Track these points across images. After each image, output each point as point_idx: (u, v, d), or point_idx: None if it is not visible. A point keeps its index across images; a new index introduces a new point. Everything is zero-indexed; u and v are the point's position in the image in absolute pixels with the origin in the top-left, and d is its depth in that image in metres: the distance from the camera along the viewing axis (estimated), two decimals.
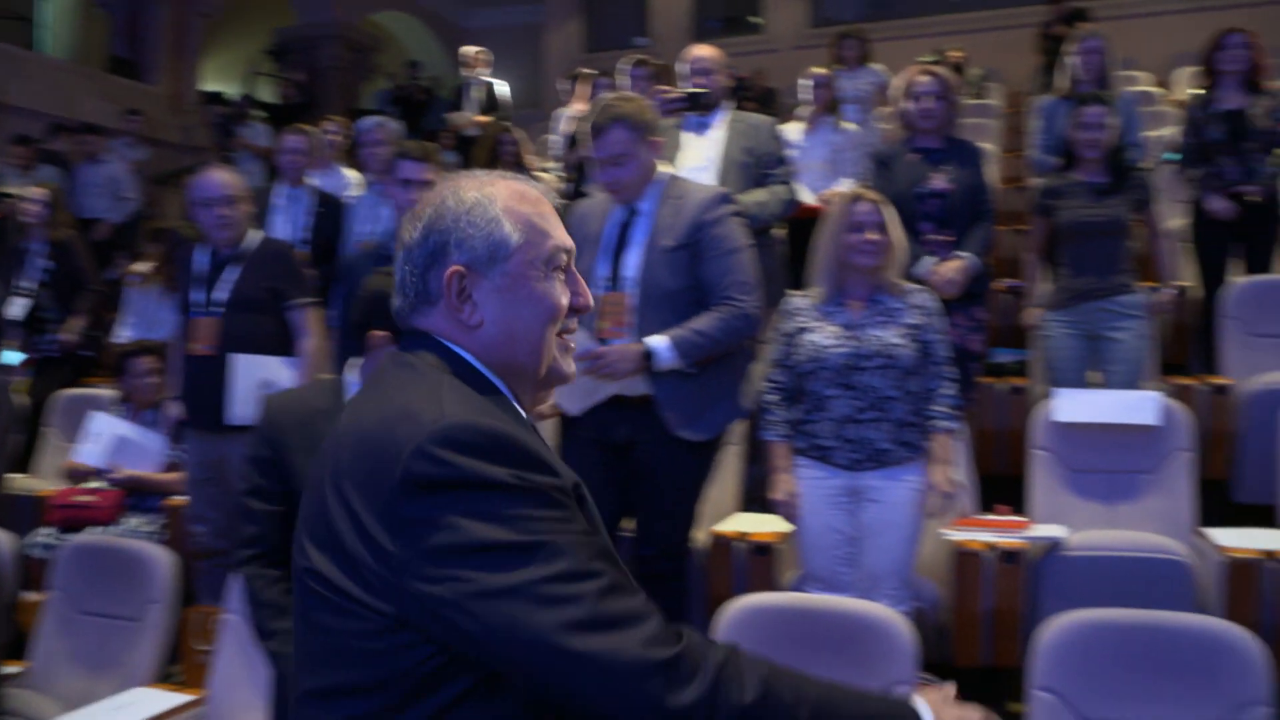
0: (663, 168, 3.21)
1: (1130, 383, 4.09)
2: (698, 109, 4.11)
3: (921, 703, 1.25)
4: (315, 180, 5.26)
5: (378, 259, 3.91)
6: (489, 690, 1.15)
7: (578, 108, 6.42)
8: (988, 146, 7.20)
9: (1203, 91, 5.02)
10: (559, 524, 1.14)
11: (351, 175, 5.91)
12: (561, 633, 1.09)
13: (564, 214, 2.27)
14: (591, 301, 1.40)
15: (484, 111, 8.49)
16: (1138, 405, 3.76)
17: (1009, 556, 3.28)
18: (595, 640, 1.10)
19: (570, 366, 1.37)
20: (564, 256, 1.34)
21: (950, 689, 1.31)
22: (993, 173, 6.88)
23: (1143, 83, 8.65)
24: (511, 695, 1.16)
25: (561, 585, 1.11)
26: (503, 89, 8.97)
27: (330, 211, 4.96)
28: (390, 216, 3.98)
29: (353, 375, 2.36)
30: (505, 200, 1.32)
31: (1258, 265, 4.91)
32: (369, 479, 1.16)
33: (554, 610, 1.09)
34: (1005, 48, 10.44)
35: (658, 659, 1.10)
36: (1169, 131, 6.42)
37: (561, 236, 1.34)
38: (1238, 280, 4.82)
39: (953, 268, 4.01)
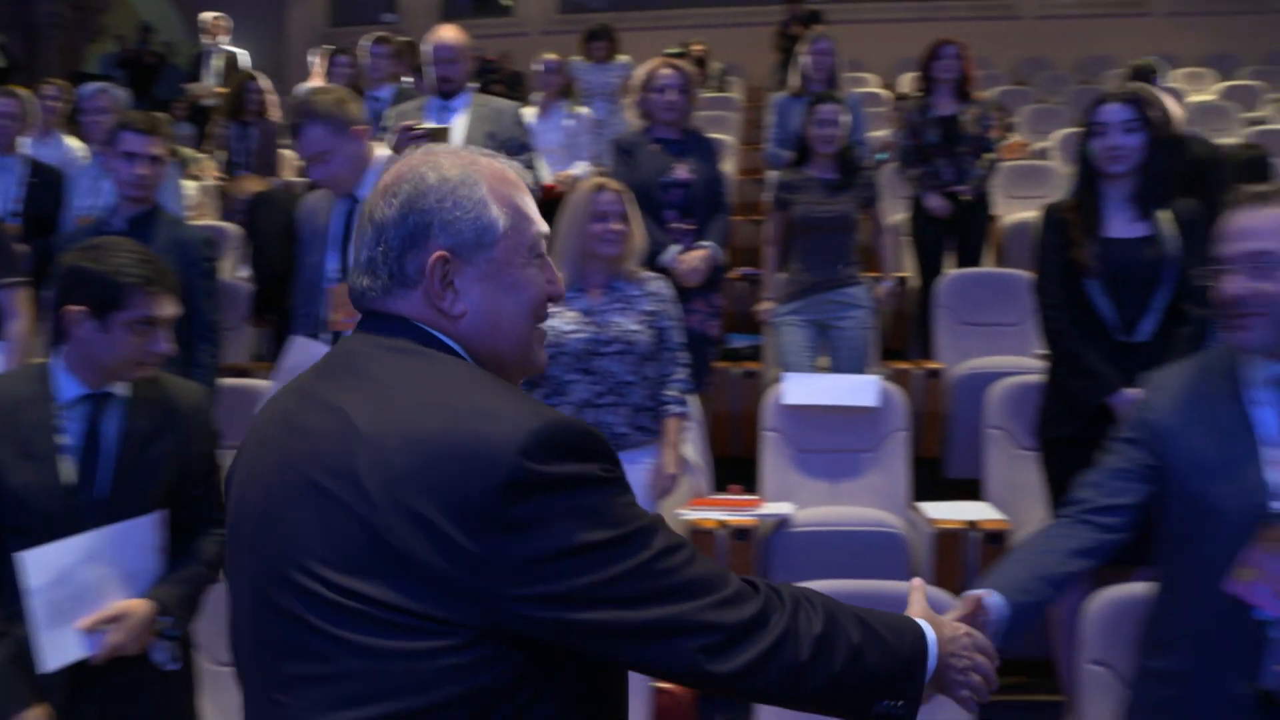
0: (381, 149, 3.17)
1: (854, 368, 4.34)
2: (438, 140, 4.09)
3: (923, 622, 1.33)
4: (28, 148, 4.85)
5: (97, 234, 3.64)
6: (549, 695, 1.12)
7: (315, 84, 6.22)
8: (727, 139, 7.51)
9: (920, 97, 5.39)
10: (637, 507, 1.15)
11: (75, 145, 5.49)
12: (673, 608, 1.11)
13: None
14: (564, 290, 1.35)
15: (224, 83, 8.08)
16: (859, 389, 4.00)
17: (740, 534, 3.43)
18: (698, 607, 1.12)
19: (543, 356, 1.32)
20: (544, 243, 1.28)
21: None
22: (731, 165, 7.16)
23: (870, 85, 9.20)
24: (566, 694, 1.14)
25: (664, 560, 1.12)
26: (244, 58, 8.57)
27: (47, 182, 4.61)
28: (111, 190, 3.71)
29: (58, 360, 2.19)
30: (490, 181, 1.24)
31: (969, 259, 5.32)
32: (447, 484, 1.06)
33: (663, 590, 1.11)
34: (746, 44, 10.86)
35: (751, 615, 1.15)
36: (885, 132, 6.89)
37: (540, 221, 1.28)
38: (951, 272, 5.20)
39: (697, 256, 4.16)
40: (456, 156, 1.26)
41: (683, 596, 1.11)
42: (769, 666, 1.14)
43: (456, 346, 1.21)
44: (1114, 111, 3.12)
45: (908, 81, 8.08)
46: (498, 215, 1.22)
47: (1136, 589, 2.33)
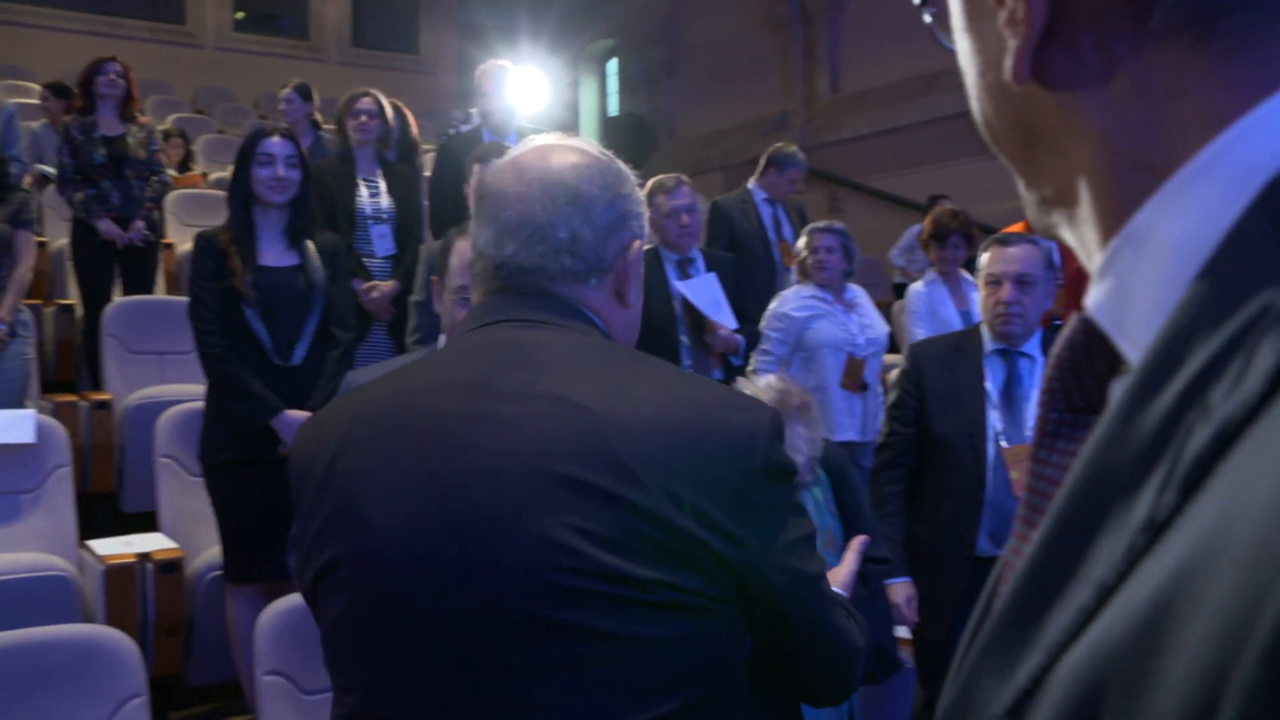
0: None
1: (14, 402, 3.99)
2: None
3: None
4: None
5: None
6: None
7: None
8: None
9: (82, 114, 5.13)
10: None
11: None
12: (833, 611, 1.18)
13: None
14: None
15: None
16: (14, 424, 3.69)
17: None
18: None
19: None
20: None
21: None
22: None
23: (35, 95, 8.48)
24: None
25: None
26: None
27: None
28: None
29: None
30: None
31: (138, 286, 5.18)
32: (706, 469, 1.02)
33: (826, 591, 1.17)
34: None
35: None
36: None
37: None
38: (119, 299, 5.02)
39: None
40: (590, 144, 1.22)
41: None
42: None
43: (613, 338, 1.18)
44: (279, 145, 3.30)
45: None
46: (644, 210, 1.21)
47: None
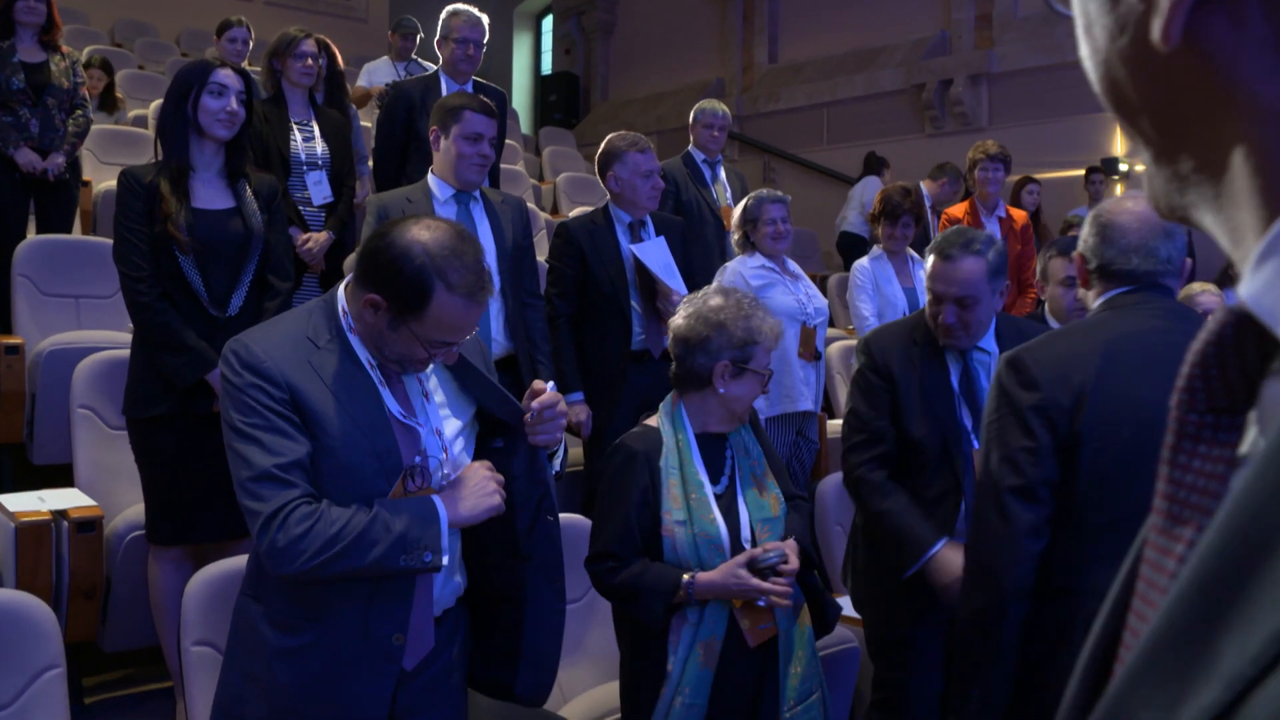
0: None
1: None
2: None
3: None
4: None
5: None
6: None
7: None
8: None
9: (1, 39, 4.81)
10: None
11: None
12: None
13: None
14: None
15: None
16: None
17: None
18: None
19: None
20: None
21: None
22: None
23: None
24: None
25: None
26: None
27: None
28: None
29: None
30: None
31: (54, 224, 4.89)
32: None
33: None
34: None
35: None
36: None
37: None
38: (32, 238, 4.73)
39: None
40: None
41: None
42: None
43: None
44: (232, 78, 3.09)
45: None
46: None
47: (237, 563, 2.33)
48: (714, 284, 2.62)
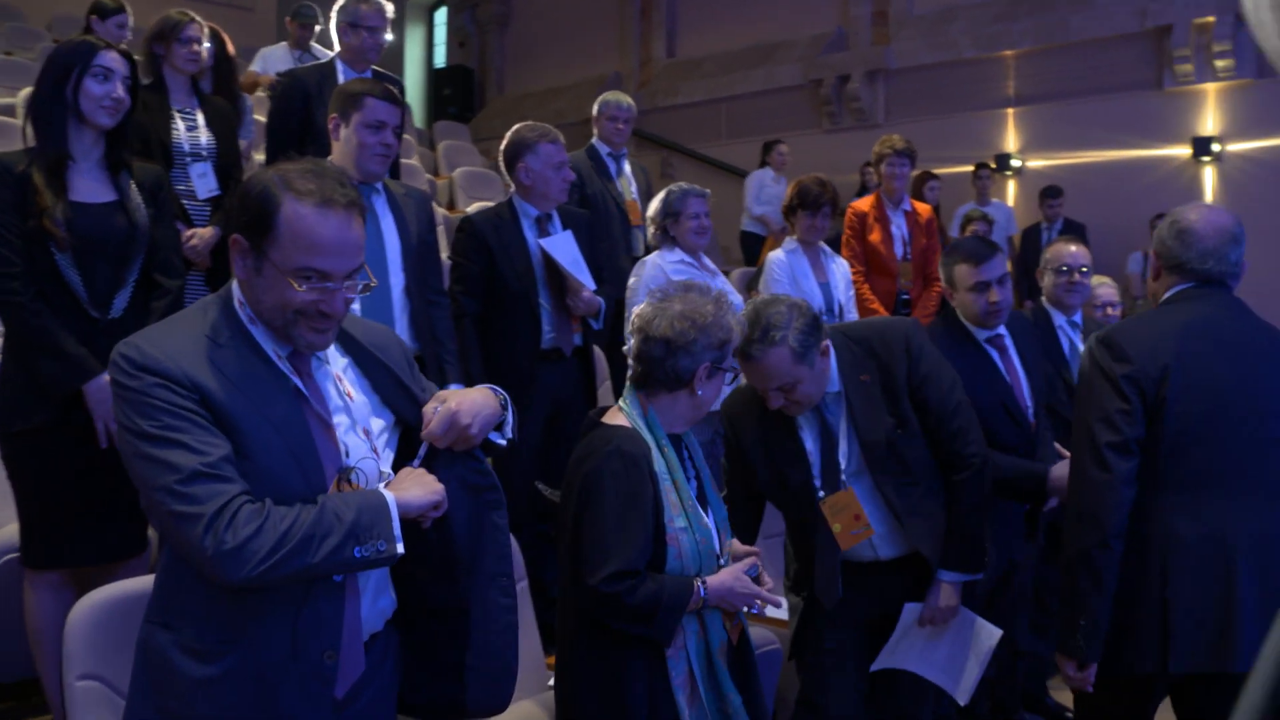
0: None
1: None
2: None
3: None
4: None
5: None
6: None
7: None
8: None
9: None
10: None
11: None
12: None
13: None
14: None
15: None
16: None
17: None
18: None
19: None
20: None
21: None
22: None
23: None
24: None
25: None
26: None
27: None
28: None
29: None
30: None
31: None
32: None
33: None
34: None
35: None
36: None
37: None
38: None
39: None
40: None
41: None
42: None
43: None
44: (118, 61, 2.87)
45: None
46: None
47: (126, 587, 2.15)
48: (676, 280, 2.56)
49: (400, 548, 1.68)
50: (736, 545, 2.47)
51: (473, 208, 6.54)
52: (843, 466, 2.74)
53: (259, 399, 1.68)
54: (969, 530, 2.78)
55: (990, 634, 2.84)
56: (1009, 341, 3.35)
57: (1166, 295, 2.57)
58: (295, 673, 1.70)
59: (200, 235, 4.01)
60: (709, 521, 2.34)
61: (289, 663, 1.69)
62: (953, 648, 2.84)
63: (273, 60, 6.75)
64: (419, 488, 1.75)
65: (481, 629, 1.91)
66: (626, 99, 5.55)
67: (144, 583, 2.19)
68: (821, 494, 2.72)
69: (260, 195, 1.68)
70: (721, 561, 2.34)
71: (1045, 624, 4.17)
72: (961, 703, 2.87)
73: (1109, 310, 4.48)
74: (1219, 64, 8.01)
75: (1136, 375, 2.39)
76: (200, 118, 4.16)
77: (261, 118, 5.44)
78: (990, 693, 4.01)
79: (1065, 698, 4.42)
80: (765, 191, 8.90)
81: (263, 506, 1.60)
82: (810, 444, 2.75)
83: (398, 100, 3.32)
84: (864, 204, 5.65)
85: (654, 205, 4.23)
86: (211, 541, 1.55)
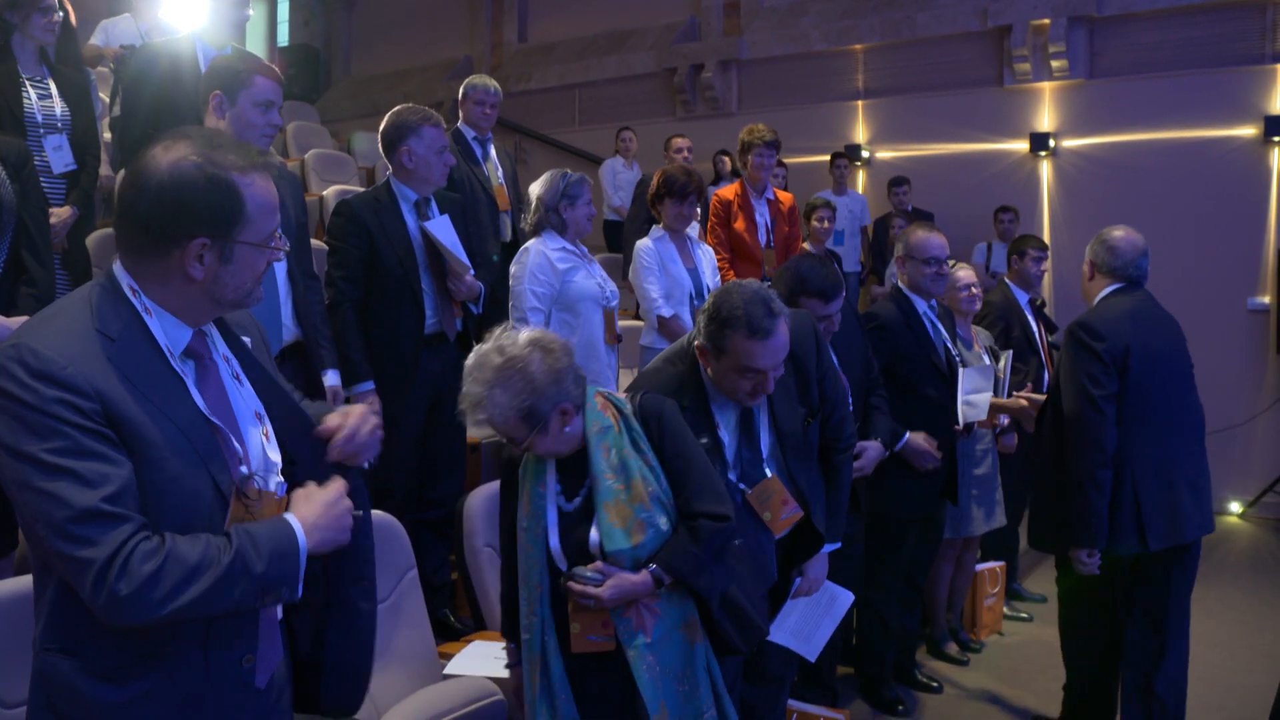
0: None
1: None
2: None
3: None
4: None
5: None
6: None
7: None
8: None
9: None
10: None
11: None
12: None
13: None
14: None
15: None
16: None
17: None
18: None
19: None
20: None
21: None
22: None
23: None
24: None
25: None
26: None
27: None
28: None
29: None
30: None
31: None
32: None
33: None
34: None
35: None
36: None
37: None
38: None
39: None
40: None
41: None
42: None
43: None
44: None
45: None
46: None
47: None
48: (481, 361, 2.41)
49: (300, 590, 1.62)
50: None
51: (327, 192, 6.38)
52: (764, 456, 2.78)
53: (163, 400, 1.57)
54: (842, 504, 3.02)
55: (846, 598, 3.08)
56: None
57: (1104, 293, 3.62)
58: (215, 682, 1.63)
59: (57, 215, 3.80)
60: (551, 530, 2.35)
61: (209, 673, 1.62)
62: (805, 612, 3.00)
63: (116, 33, 6.39)
64: (331, 528, 1.67)
65: (338, 628, 1.86)
66: (493, 83, 5.51)
67: (13, 586, 2.08)
68: (743, 487, 2.73)
69: (212, 188, 1.58)
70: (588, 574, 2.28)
71: (913, 599, 4.36)
72: (811, 659, 3.05)
73: (972, 290, 4.60)
74: (1054, 64, 8.45)
75: (1111, 349, 3.39)
76: (53, 86, 3.95)
77: (104, 96, 5.16)
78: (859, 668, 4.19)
79: (931, 670, 4.64)
80: (619, 177, 8.99)
81: (161, 543, 1.49)
82: (727, 438, 2.75)
83: (281, 80, 3.22)
84: (728, 192, 5.75)
85: (540, 189, 4.19)
86: (104, 589, 1.44)
